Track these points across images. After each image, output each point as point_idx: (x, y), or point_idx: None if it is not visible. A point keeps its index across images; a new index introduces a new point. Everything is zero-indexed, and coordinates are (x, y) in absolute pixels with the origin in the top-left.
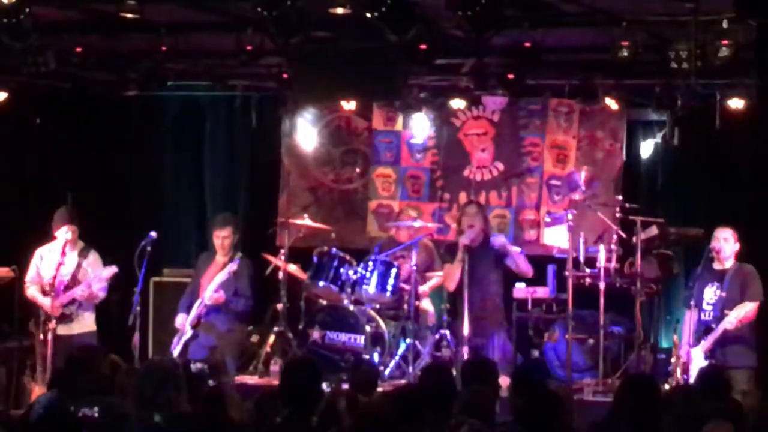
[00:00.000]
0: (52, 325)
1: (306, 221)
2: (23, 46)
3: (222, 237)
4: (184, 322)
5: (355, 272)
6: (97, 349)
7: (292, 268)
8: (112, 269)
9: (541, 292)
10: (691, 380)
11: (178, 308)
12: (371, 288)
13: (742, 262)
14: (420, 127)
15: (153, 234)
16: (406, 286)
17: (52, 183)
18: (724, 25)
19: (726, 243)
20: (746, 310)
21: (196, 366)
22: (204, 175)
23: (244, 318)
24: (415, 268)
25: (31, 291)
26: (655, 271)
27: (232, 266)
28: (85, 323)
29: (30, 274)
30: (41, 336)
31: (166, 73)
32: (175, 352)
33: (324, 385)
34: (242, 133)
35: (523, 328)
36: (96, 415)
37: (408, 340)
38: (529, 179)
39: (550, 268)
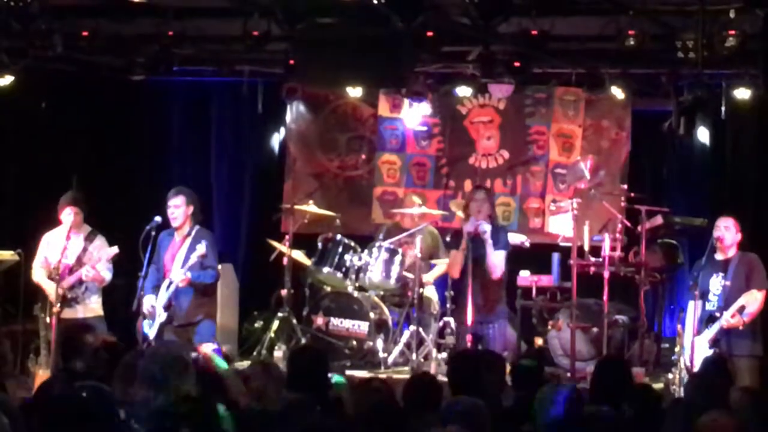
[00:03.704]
0: (56, 309)
1: (311, 207)
2: (30, 29)
3: (173, 206)
4: (154, 304)
5: (360, 259)
6: (86, 327)
7: (297, 254)
8: (113, 250)
9: (546, 280)
10: (695, 370)
11: (143, 289)
12: (375, 275)
13: (746, 251)
14: (414, 113)
15: (158, 218)
16: (410, 275)
17: (58, 167)
18: (731, 15)
19: (727, 231)
20: (756, 306)
21: (193, 354)
22: (210, 160)
23: (211, 291)
24: (419, 255)
25: (37, 276)
26: (660, 261)
27: (201, 250)
28: (91, 307)
29: (38, 260)
30: (47, 320)
31: (173, 57)
32: (151, 335)
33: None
34: (248, 118)
35: (527, 316)
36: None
37: (412, 328)
38: (534, 167)
39: (555, 257)
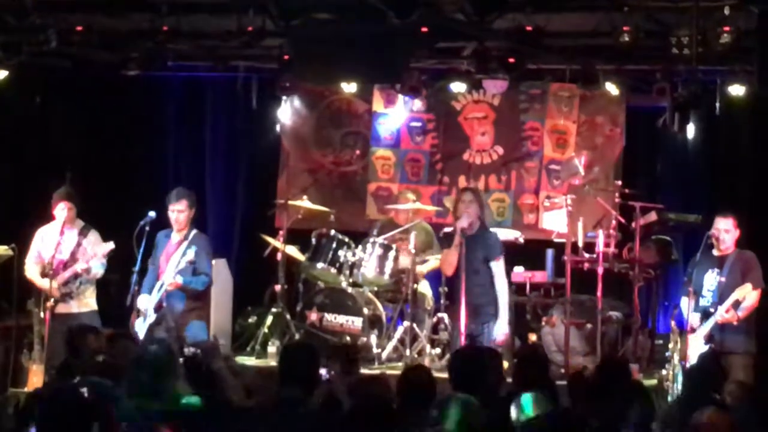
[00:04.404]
0: (50, 304)
1: (305, 203)
2: (24, 24)
3: (177, 211)
4: (147, 303)
5: (354, 254)
6: (89, 329)
7: (291, 249)
8: (109, 245)
9: (539, 276)
10: (689, 366)
11: (137, 284)
12: (369, 270)
13: (741, 248)
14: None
15: (152, 214)
16: (406, 264)
17: (52, 162)
18: (726, 11)
19: (727, 234)
20: (751, 301)
21: (189, 350)
22: (204, 155)
23: (203, 295)
24: (413, 251)
25: (31, 272)
26: (654, 257)
27: (189, 256)
28: (85, 302)
29: (31, 255)
30: (40, 314)
31: (168, 53)
32: (140, 334)
33: (323, 371)
34: (243, 114)
35: (521, 312)
36: (86, 395)
37: (405, 323)
38: (528, 163)
39: (549, 253)
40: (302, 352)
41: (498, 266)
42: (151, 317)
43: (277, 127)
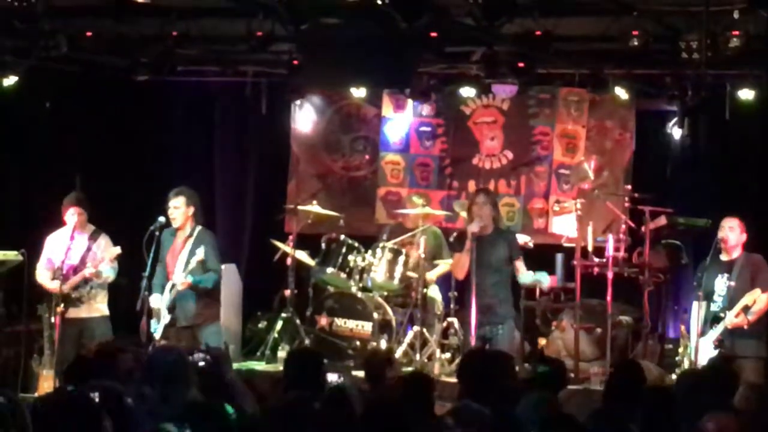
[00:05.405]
0: (60, 309)
1: (315, 208)
2: (34, 29)
3: (173, 207)
4: (159, 303)
5: (363, 259)
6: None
7: (301, 254)
8: (115, 250)
9: (549, 280)
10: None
11: (147, 289)
12: (379, 275)
13: (750, 252)
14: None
15: (162, 219)
16: (413, 274)
17: (61, 167)
18: (735, 15)
19: (731, 231)
20: (761, 305)
21: (198, 356)
22: (213, 160)
23: (214, 292)
24: (423, 255)
25: (42, 277)
26: (663, 261)
27: (200, 255)
28: (96, 307)
29: (42, 261)
30: (51, 319)
31: (177, 58)
32: (156, 336)
33: (335, 376)
34: (252, 119)
35: (531, 316)
36: (97, 399)
37: (415, 328)
38: (538, 168)
39: (559, 257)
40: (307, 357)
41: (522, 262)
42: (166, 318)
43: (287, 133)
